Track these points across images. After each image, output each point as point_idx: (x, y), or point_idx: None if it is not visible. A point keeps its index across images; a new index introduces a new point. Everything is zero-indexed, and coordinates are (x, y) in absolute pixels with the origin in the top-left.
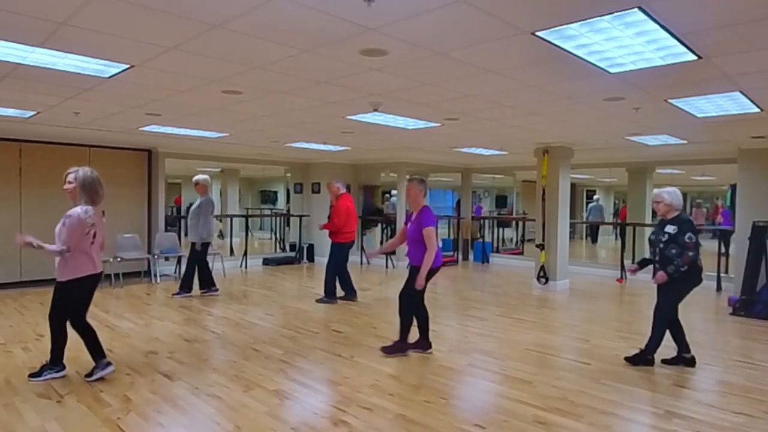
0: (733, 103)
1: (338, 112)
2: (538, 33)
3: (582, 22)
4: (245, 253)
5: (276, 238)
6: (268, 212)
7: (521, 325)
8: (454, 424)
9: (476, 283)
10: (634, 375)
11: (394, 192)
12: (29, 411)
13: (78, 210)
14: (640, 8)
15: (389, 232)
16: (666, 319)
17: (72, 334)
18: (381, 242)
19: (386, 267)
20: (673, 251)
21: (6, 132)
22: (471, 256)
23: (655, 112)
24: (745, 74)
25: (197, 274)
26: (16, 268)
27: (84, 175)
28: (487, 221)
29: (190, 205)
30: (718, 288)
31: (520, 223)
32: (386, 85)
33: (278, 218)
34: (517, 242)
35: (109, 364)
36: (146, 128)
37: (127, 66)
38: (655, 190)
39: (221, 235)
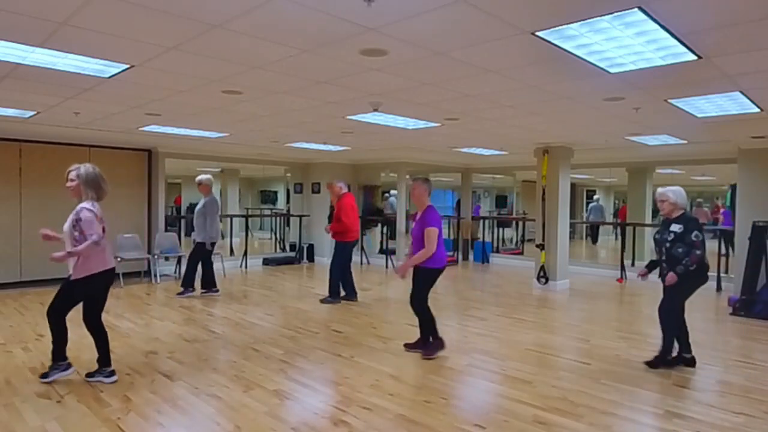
0: (733, 103)
1: (338, 112)
2: (538, 33)
3: (582, 22)
4: (245, 253)
5: (276, 238)
6: (268, 212)
7: (521, 325)
8: (454, 424)
9: (476, 283)
10: (634, 375)
11: (393, 192)
12: (29, 411)
13: (85, 205)
14: (640, 8)
15: (389, 232)
16: (673, 318)
17: (72, 334)
18: (381, 242)
19: (386, 267)
20: (680, 250)
21: (6, 132)
22: (471, 256)
23: (655, 112)
24: (745, 74)
25: (202, 274)
26: (16, 268)
27: (86, 172)
28: (486, 221)
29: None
30: (718, 288)
31: (520, 223)
32: (386, 85)
33: (278, 218)
34: (517, 242)
35: (113, 373)
36: (146, 128)
37: (127, 66)
38: (660, 189)
39: (222, 235)
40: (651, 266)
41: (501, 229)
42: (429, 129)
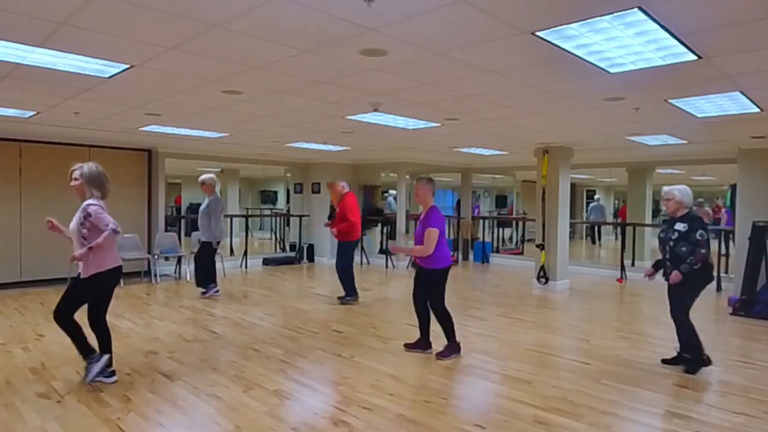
0: (733, 103)
1: (338, 112)
2: (538, 33)
3: (582, 22)
4: (245, 253)
5: (276, 238)
6: (268, 212)
7: (521, 325)
8: (454, 424)
9: (476, 283)
10: (634, 375)
11: (392, 191)
12: (29, 411)
13: (91, 200)
14: (640, 8)
15: (389, 232)
16: (687, 320)
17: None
18: (381, 242)
19: (386, 267)
20: (683, 249)
21: (6, 132)
22: (471, 256)
23: (655, 112)
24: (745, 74)
25: (196, 272)
26: (16, 268)
27: (90, 170)
28: (486, 221)
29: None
30: (718, 288)
31: (520, 223)
32: (386, 85)
33: (278, 218)
34: (516, 242)
35: (113, 373)
36: (146, 128)
37: (127, 66)
38: (665, 188)
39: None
40: (657, 266)
41: (501, 229)
42: (429, 129)
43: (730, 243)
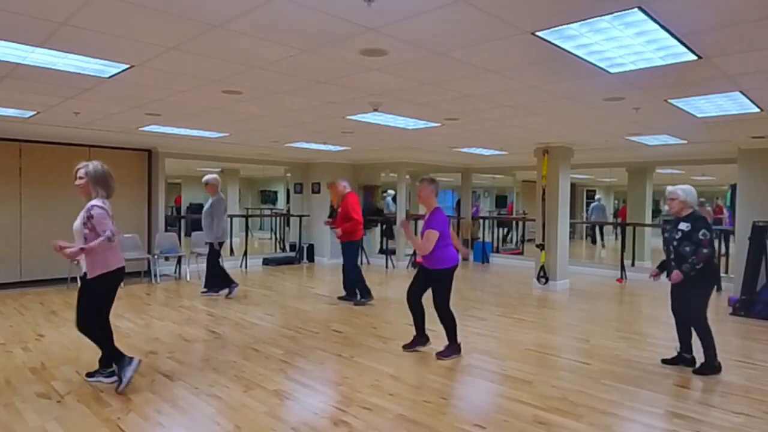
0: (733, 103)
1: (338, 112)
2: (538, 33)
3: (582, 22)
4: (245, 253)
5: (276, 238)
6: (268, 212)
7: (521, 325)
8: (454, 424)
9: (476, 283)
10: (634, 375)
11: (390, 191)
12: (29, 411)
13: (97, 201)
14: (640, 8)
15: (389, 233)
16: (705, 322)
17: (72, 334)
18: (381, 242)
19: (386, 267)
20: (687, 249)
21: (6, 132)
22: (471, 256)
23: (655, 112)
24: (745, 74)
25: (206, 272)
26: (16, 268)
27: (95, 169)
28: (486, 221)
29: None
30: (718, 288)
31: (520, 223)
32: (386, 85)
33: (278, 218)
34: (517, 242)
35: (113, 374)
36: (146, 128)
37: (127, 66)
38: (669, 188)
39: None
40: (662, 267)
41: (501, 229)
42: (429, 129)
43: (731, 243)
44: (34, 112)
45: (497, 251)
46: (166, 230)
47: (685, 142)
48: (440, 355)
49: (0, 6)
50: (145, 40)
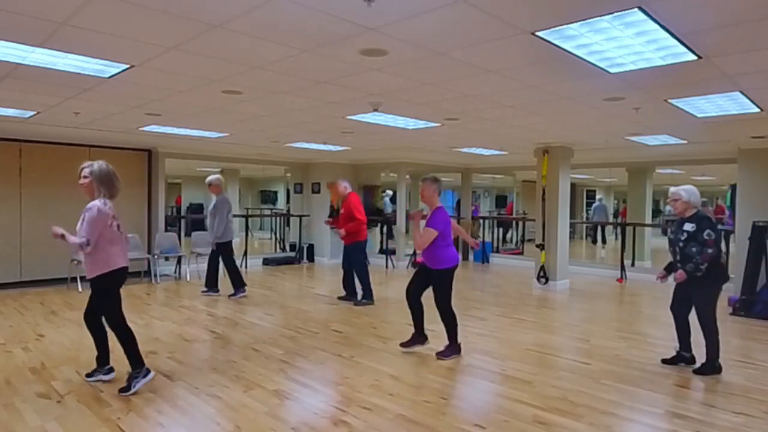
0: (733, 103)
1: (338, 112)
2: (538, 33)
3: (582, 22)
4: (245, 253)
5: (276, 238)
6: (268, 212)
7: (521, 325)
8: (454, 424)
9: (476, 283)
10: (634, 375)
11: (388, 191)
12: (29, 411)
13: (97, 202)
14: (640, 8)
15: (389, 233)
16: (715, 324)
17: (72, 334)
18: (381, 242)
19: (386, 267)
20: (693, 249)
21: (6, 132)
22: (471, 256)
23: (655, 112)
24: (745, 74)
25: (208, 271)
26: (16, 268)
27: (100, 169)
28: (487, 221)
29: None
30: None
31: (520, 223)
32: (386, 85)
33: (278, 218)
34: (517, 242)
35: (111, 370)
36: (146, 128)
37: (127, 66)
38: (672, 188)
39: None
40: (669, 269)
41: (500, 229)
42: (429, 129)
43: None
44: (34, 112)
45: (497, 251)
46: (166, 230)
47: (685, 142)
48: (440, 355)
49: (0, 6)
50: (145, 40)
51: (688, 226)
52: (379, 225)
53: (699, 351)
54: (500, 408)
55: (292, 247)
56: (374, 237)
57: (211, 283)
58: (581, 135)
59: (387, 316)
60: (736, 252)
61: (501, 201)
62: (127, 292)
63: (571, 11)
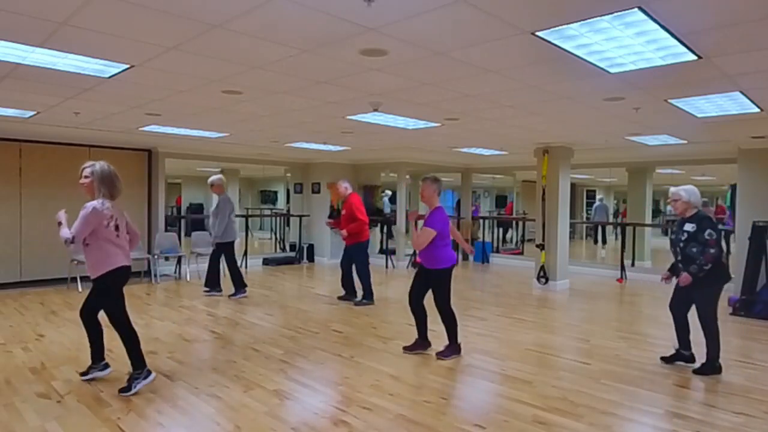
0: (733, 103)
1: (338, 112)
2: (538, 33)
3: (582, 22)
4: (245, 253)
5: (276, 238)
6: (268, 212)
7: (521, 325)
8: (454, 424)
9: (476, 283)
10: (634, 375)
11: (387, 192)
12: (29, 411)
13: (94, 202)
14: (640, 8)
15: (389, 233)
16: (716, 324)
17: (72, 334)
18: (381, 242)
19: (386, 267)
20: (694, 249)
21: (6, 132)
22: (471, 256)
23: (655, 112)
24: (745, 74)
25: (207, 271)
26: (16, 268)
27: (101, 169)
28: (486, 221)
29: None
30: None
31: (520, 223)
32: (386, 85)
33: (278, 218)
34: (517, 242)
35: (106, 366)
36: (146, 128)
37: (127, 66)
38: (672, 189)
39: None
40: (673, 270)
41: (500, 230)
42: (429, 129)
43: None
44: (34, 112)
45: (497, 251)
46: (166, 230)
47: (685, 142)
48: (440, 355)
49: (0, 6)
50: (145, 40)
51: (689, 227)
52: (379, 225)
53: (699, 350)
54: (500, 408)
55: (292, 247)
56: (374, 237)
57: (213, 283)
58: (581, 135)
59: (387, 316)
60: (736, 252)
61: (501, 201)
62: (127, 292)
63: (571, 11)
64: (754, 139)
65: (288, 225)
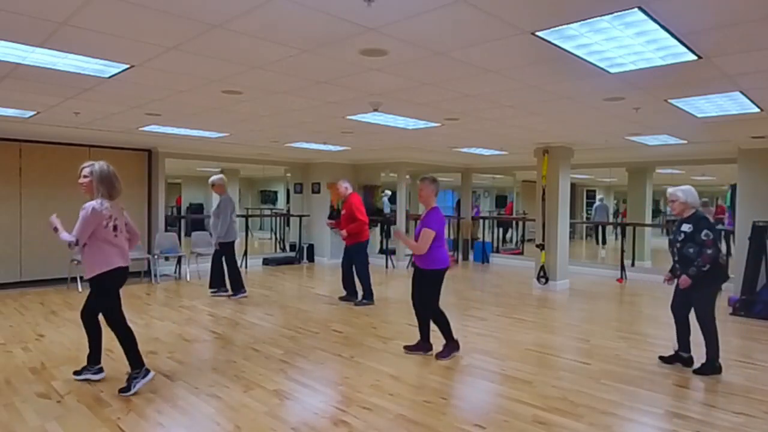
0: (733, 103)
1: (338, 112)
2: (538, 33)
3: (582, 22)
4: (245, 253)
5: (276, 238)
6: (268, 212)
7: (521, 325)
8: (454, 424)
9: (476, 283)
10: (634, 375)
11: (387, 192)
12: (29, 411)
13: (93, 203)
14: (640, 8)
15: (389, 233)
16: (714, 324)
17: (72, 334)
18: (380, 242)
19: (386, 267)
20: (691, 250)
21: (6, 132)
22: (471, 256)
23: (655, 112)
24: (745, 74)
25: (211, 272)
26: (16, 268)
27: (100, 169)
28: (486, 221)
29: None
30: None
31: (520, 223)
32: (386, 85)
33: (278, 218)
34: (517, 242)
35: (101, 370)
36: (146, 128)
37: (127, 66)
38: (670, 189)
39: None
40: (674, 271)
41: (500, 230)
42: (429, 129)
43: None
44: (34, 112)
45: (497, 251)
46: (166, 230)
47: (685, 142)
48: (440, 355)
49: (0, 6)
50: (145, 40)
51: (686, 227)
52: (379, 225)
53: (699, 351)
54: (500, 408)
55: (292, 247)
56: (374, 237)
57: (219, 283)
58: (581, 135)
59: (387, 316)
60: (736, 252)
61: (501, 201)
62: (127, 292)
63: (571, 11)
64: (754, 139)
65: (288, 225)
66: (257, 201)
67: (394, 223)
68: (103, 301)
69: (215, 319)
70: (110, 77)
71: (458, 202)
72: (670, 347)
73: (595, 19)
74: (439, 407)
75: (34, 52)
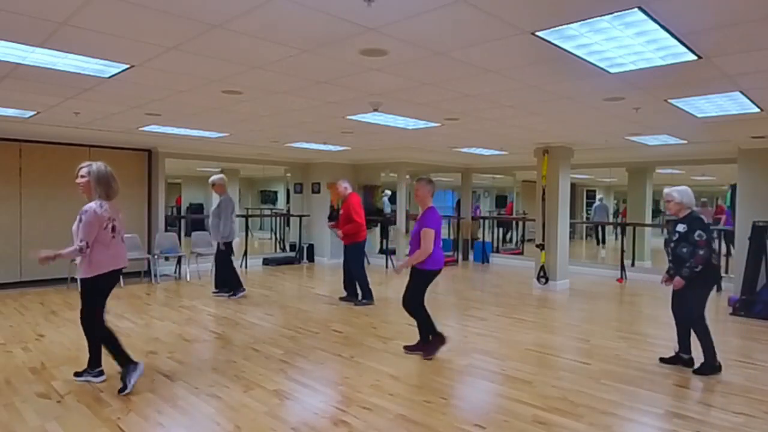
0: (733, 103)
1: (338, 112)
2: (538, 33)
3: (582, 22)
4: (245, 253)
5: (276, 238)
6: (268, 212)
7: (521, 325)
8: (454, 424)
9: (476, 283)
10: (634, 375)
11: (387, 191)
12: (29, 411)
13: (93, 205)
14: (640, 8)
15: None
16: (704, 323)
17: (72, 334)
18: (381, 242)
19: (386, 267)
20: (684, 250)
21: (6, 132)
22: (471, 256)
23: (655, 112)
24: (745, 74)
25: (215, 273)
26: (16, 268)
27: (98, 169)
28: (486, 221)
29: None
30: (718, 288)
31: (520, 223)
32: (386, 85)
33: (278, 218)
34: (517, 242)
35: (101, 373)
36: (146, 128)
37: (127, 66)
38: (666, 189)
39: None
40: (670, 271)
41: (500, 229)
42: (429, 129)
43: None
44: (34, 112)
45: (497, 251)
46: (166, 230)
47: (685, 142)
48: (426, 355)
49: (0, 6)
50: (145, 40)
51: (680, 227)
52: (379, 225)
53: (697, 350)
54: (500, 408)
55: (292, 247)
56: (374, 237)
57: (222, 285)
58: (581, 135)
59: (387, 316)
60: (736, 252)
61: (501, 201)
62: (127, 292)
63: (571, 11)
64: (754, 139)
65: (288, 225)
66: (257, 201)
67: (394, 223)
68: (94, 301)
69: (215, 319)
70: (110, 77)
71: (458, 202)
72: (670, 347)
73: (595, 19)
74: (439, 407)
75: (34, 52)
